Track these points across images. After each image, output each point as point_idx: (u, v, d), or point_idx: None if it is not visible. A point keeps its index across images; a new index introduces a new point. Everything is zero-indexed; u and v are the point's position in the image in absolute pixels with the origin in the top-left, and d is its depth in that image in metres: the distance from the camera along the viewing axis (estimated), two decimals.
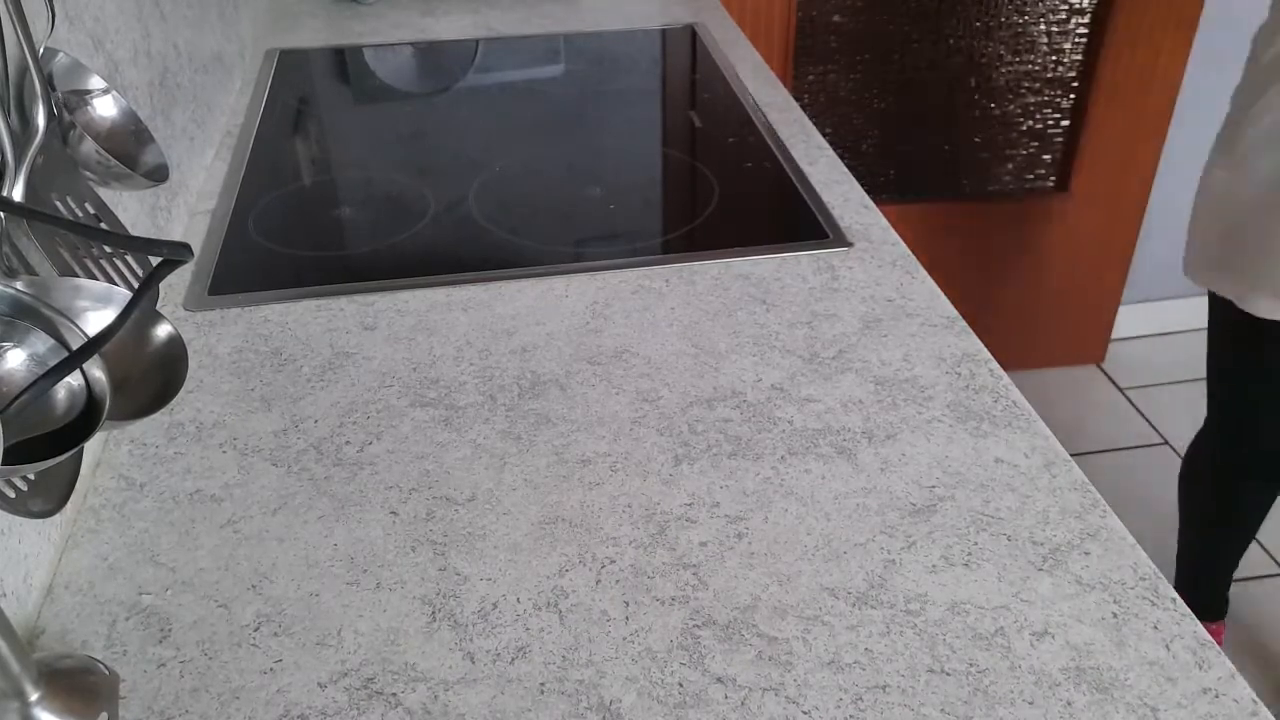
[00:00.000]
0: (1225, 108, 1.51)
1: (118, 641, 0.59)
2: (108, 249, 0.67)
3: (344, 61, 1.46)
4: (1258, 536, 1.93)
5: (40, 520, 0.60)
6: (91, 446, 0.71)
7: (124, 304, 0.48)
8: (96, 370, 0.48)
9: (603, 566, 0.63)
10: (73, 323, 0.48)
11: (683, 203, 1.08)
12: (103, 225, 0.70)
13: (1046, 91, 2.09)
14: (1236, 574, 1.87)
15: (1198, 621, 0.58)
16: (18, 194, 0.61)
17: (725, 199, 1.06)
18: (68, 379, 0.47)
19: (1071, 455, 0.71)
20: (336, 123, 1.34)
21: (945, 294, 0.88)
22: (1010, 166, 2.17)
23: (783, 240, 0.96)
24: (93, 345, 0.45)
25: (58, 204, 0.66)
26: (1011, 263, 2.22)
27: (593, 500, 0.68)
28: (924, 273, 0.91)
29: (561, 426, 0.74)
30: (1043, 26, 2.02)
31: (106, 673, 0.56)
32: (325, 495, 0.69)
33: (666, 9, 1.57)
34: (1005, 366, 0.80)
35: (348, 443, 0.73)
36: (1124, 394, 2.31)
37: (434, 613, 0.60)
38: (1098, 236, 2.22)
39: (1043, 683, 0.55)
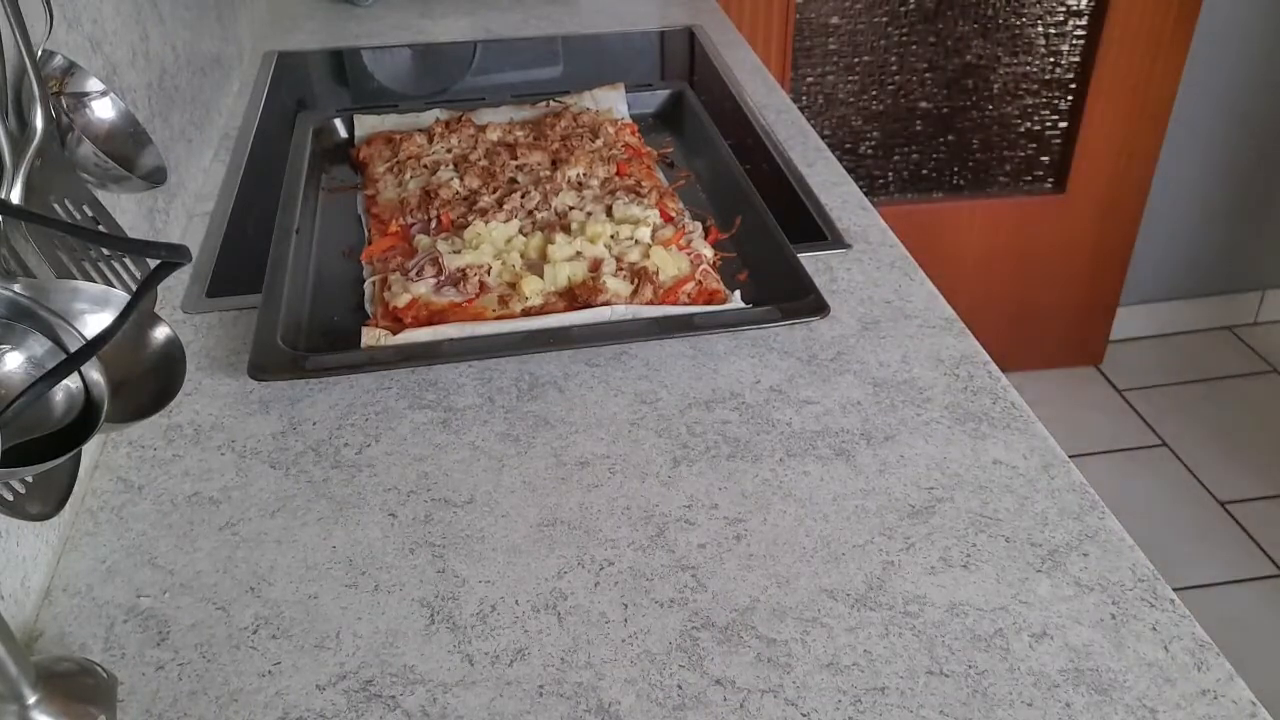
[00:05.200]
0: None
1: (116, 644, 0.59)
2: (105, 251, 0.67)
3: (342, 63, 1.46)
4: (1258, 538, 1.94)
5: (38, 523, 0.60)
6: (89, 449, 0.71)
7: (122, 306, 0.48)
8: (95, 373, 0.48)
9: (601, 568, 0.63)
10: (71, 325, 0.47)
11: None
12: (100, 228, 0.70)
13: (1044, 93, 2.09)
14: (1236, 575, 1.87)
15: (1196, 623, 0.58)
16: (16, 196, 0.61)
17: None
18: (66, 381, 0.47)
19: (1070, 457, 0.71)
20: None
21: (943, 295, 0.88)
22: (1008, 168, 2.17)
23: None
24: (91, 348, 0.45)
25: (56, 206, 0.66)
26: (1010, 264, 2.22)
27: (591, 502, 0.68)
28: (922, 274, 0.91)
29: (560, 428, 0.74)
30: (1040, 28, 2.02)
31: (105, 675, 0.56)
32: (324, 497, 0.68)
33: (665, 11, 1.58)
34: (1003, 368, 0.80)
35: (346, 445, 0.73)
36: (1122, 395, 2.31)
37: (433, 615, 0.60)
38: (1096, 238, 2.22)
39: (1042, 684, 0.55)
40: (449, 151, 1.06)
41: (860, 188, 1.06)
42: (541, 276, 0.84)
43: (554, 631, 0.59)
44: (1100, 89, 2.05)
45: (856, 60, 2.02)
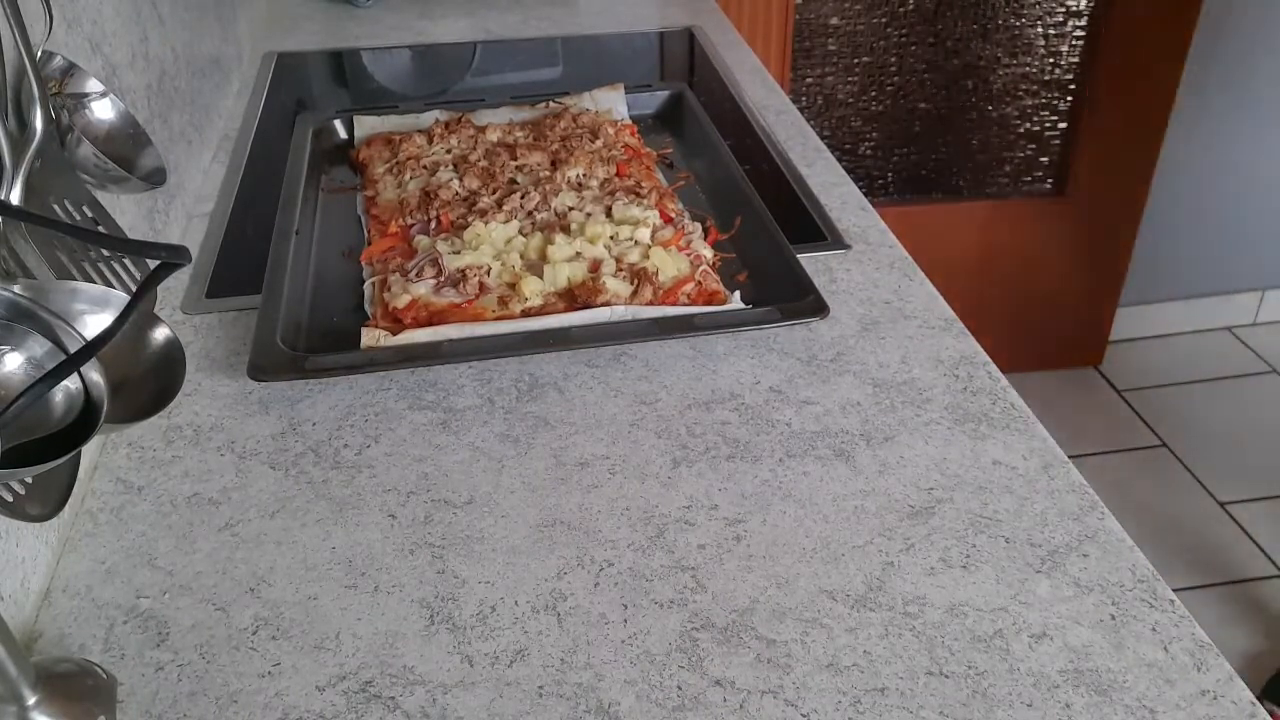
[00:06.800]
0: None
1: (115, 645, 0.59)
2: (105, 252, 0.67)
3: (341, 64, 1.46)
4: (1258, 538, 1.94)
5: (38, 524, 0.60)
6: (89, 450, 0.71)
7: (121, 307, 0.48)
8: (94, 373, 0.48)
9: (601, 569, 0.63)
10: (70, 326, 0.47)
11: None
12: (100, 229, 0.70)
13: (1044, 94, 2.10)
14: (1236, 575, 1.87)
15: (1195, 623, 0.58)
16: (15, 197, 0.61)
17: None
18: (65, 382, 0.47)
19: (1069, 457, 0.71)
20: None
21: (943, 296, 0.88)
22: (1008, 169, 2.17)
23: None
24: (90, 348, 0.45)
25: (55, 207, 0.66)
26: (1009, 265, 2.22)
27: (591, 503, 0.68)
28: (922, 275, 0.91)
29: (560, 429, 0.74)
30: (1040, 29, 2.02)
31: (104, 676, 0.56)
32: (323, 498, 0.68)
33: (664, 12, 1.58)
34: (1003, 369, 0.80)
35: (346, 445, 0.73)
36: (1122, 396, 2.31)
37: (432, 616, 0.60)
38: (1095, 238, 2.22)
39: (1041, 685, 0.55)
40: (449, 152, 1.06)
41: (860, 188, 1.06)
42: (541, 277, 0.84)
43: (554, 632, 0.59)
44: (1100, 90, 2.05)
45: (856, 61, 2.02)
